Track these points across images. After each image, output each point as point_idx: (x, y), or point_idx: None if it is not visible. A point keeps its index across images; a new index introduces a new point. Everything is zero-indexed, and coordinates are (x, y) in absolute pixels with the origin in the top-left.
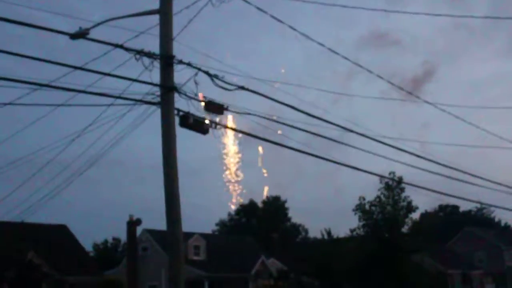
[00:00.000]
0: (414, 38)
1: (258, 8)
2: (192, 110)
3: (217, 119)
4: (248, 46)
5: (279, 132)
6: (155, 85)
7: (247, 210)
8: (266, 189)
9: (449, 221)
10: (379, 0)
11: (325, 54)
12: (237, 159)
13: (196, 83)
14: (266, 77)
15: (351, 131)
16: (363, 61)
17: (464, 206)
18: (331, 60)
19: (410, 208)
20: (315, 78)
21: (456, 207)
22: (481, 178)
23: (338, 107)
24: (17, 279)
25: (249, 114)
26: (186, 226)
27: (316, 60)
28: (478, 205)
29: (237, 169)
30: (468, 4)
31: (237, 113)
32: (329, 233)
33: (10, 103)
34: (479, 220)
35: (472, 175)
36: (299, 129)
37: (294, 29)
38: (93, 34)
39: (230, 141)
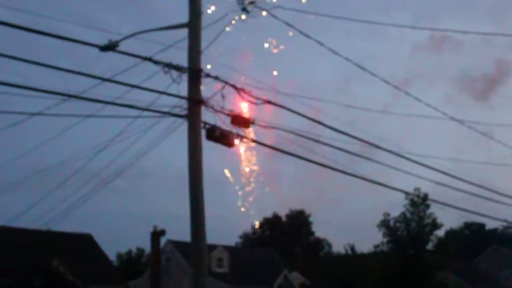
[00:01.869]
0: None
1: (286, 23)
2: (219, 123)
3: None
4: (276, 60)
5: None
6: (183, 98)
7: (271, 223)
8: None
9: (474, 239)
10: (407, 14)
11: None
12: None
13: (223, 96)
14: (297, 92)
15: (378, 146)
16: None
17: (490, 224)
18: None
19: (435, 225)
20: (344, 93)
21: (481, 225)
22: (508, 196)
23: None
24: (42, 286)
25: (275, 128)
26: (210, 238)
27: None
28: (505, 223)
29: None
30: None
31: (263, 127)
32: (352, 248)
33: (39, 113)
34: (505, 239)
35: (499, 193)
36: (325, 144)
37: (322, 44)
38: (122, 46)
39: (252, 155)
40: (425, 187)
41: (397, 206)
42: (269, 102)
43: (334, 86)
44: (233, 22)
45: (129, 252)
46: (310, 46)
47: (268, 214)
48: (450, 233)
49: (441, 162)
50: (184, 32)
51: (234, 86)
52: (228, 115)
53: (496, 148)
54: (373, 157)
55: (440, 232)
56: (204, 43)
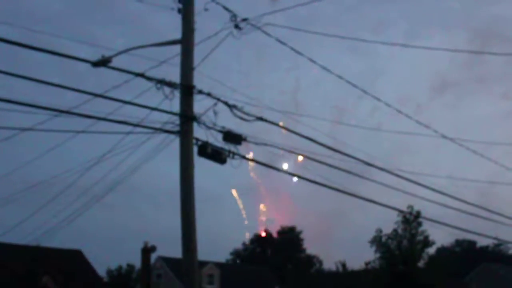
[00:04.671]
0: None
1: (278, 40)
2: (211, 140)
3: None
4: (268, 77)
5: (299, 158)
6: (175, 114)
7: (262, 240)
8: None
9: (465, 256)
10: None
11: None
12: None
13: (215, 113)
14: (286, 108)
15: (370, 164)
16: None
17: (481, 242)
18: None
19: (427, 243)
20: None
21: (473, 242)
22: (499, 214)
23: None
24: None
25: (266, 145)
26: (201, 254)
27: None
28: (495, 241)
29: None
30: None
31: (255, 143)
32: (343, 265)
33: (30, 129)
34: (496, 256)
35: (490, 211)
36: (317, 161)
37: (314, 61)
38: (114, 62)
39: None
40: (418, 205)
41: (389, 223)
42: (261, 118)
43: (329, 103)
44: (225, 38)
45: (119, 268)
46: (303, 63)
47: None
48: (442, 250)
49: (433, 180)
50: (177, 48)
51: (226, 103)
52: (220, 131)
53: (488, 165)
54: (366, 175)
55: (431, 250)
56: (196, 59)
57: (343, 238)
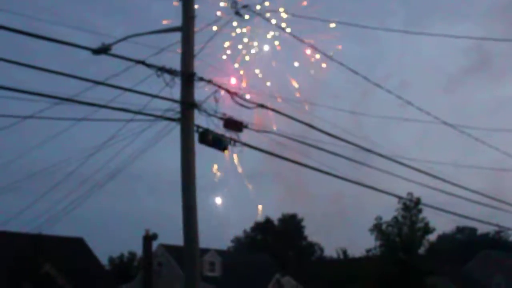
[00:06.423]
0: None
1: (278, 26)
2: (212, 127)
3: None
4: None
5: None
6: (176, 101)
7: (263, 227)
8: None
9: (466, 243)
10: (398, 20)
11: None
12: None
13: (216, 100)
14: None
15: (370, 151)
16: None
17: (482, 229)
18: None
19: (427, 230)
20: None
21: (473, 229)
22: (500, 200)
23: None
24: None
25: (268, 132)
26: (202, 242)
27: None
28: (496, 228)
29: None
30: None
31: (256, 131)
32: (344, 252)
33: (31, 116)
34: (497, 243)
35: (490, 198)
36: (317, 147)
37: (315, 48)
38: (115, 49)
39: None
40: (418, 192)
41: (389, 210)
42: (262, 106)
43: (330, 91)
44: (226, 25)
45: (121, 256)
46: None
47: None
48: (442, 237)
49: (434, 166)
50: (177, 35)
51: (227, 90)
52: (221, 118)
53: (489, 152)
54: (366, 162)
55: (432, 237)
56: (197, 46)
57: (344, 225)
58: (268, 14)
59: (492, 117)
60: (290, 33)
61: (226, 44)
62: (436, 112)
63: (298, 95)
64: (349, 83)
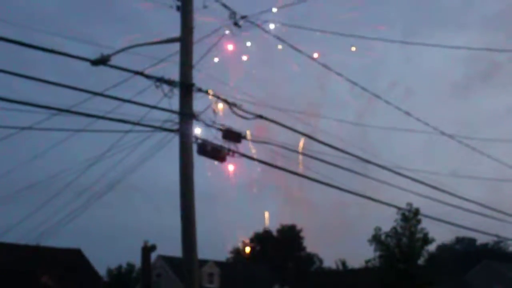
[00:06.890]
0: None
1: (277, 37)
2: (210, 138)
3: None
4: (267, 74)
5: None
6: (174, 112)
7: (262, 238)
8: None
9: (465, 253)
10: (397, 31)
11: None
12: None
13: (214, 111)
14: (287, 106)
15: (368, 161)
16: None
17: (481, 239)
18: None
19: (427, 240)
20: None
21: (473, 240)
22: (499, 211)
23: None
24: None
25: (266, 143)
26: (200, 253)
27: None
28: (495, 238)
29: None
30: None
31: (255, 141)
32: (344, 263)
33: (29, 128)
34: (496, 253)
35: (490, 208)
36: (316, 158)
37: (314, 59)
38: (113, 60)
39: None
40: (417, 202)
41: (388, 220)
42: (261, 116)
43: (333, 101)
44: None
45: (119, 268)
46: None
47: (259, 228)
48: (442, 247)
49: (432, 177)
50: (176, 46)
51: (225, 101)
52: (219, 129)
53: (489, 162)
54: (365, 172)
55: (432, 247)
56: (195, 57)
57: (343, 236)
58: (272, 26)
59: (496, 126)
60: (288, 44)
61: (225, 55)
62: (440, 121)
63: (299, 105)
64: (351, 93)
